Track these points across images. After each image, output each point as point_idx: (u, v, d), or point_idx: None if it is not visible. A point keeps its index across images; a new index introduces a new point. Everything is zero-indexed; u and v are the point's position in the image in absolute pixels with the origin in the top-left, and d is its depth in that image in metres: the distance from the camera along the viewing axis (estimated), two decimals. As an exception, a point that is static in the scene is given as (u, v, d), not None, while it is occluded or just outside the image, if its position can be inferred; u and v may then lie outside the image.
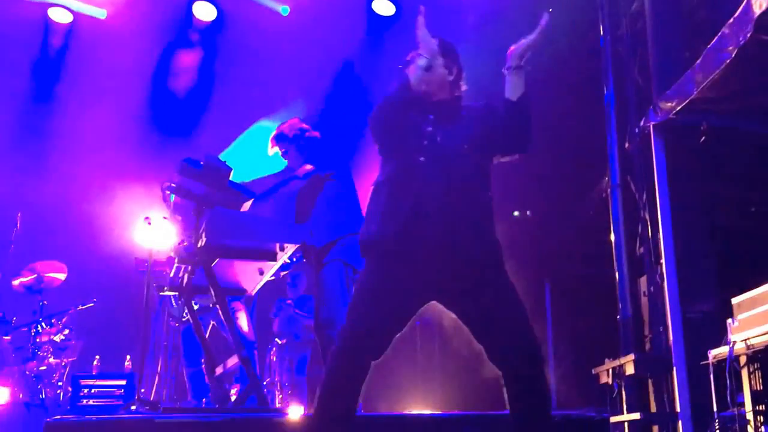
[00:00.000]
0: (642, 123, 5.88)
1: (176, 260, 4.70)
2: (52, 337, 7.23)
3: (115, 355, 7.31)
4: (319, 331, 4.65)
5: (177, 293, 5.20)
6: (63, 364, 7.29)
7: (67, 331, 7.46)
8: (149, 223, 5.13)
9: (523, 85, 3.07)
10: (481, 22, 7.32)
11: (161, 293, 5.25)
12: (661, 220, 5.61)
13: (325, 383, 2.94)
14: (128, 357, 7.30)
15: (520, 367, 2.86)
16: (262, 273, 4.83)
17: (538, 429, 2.86)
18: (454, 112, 3.16)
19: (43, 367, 7.09)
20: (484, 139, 3.09)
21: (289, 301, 7.89)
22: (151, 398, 6.56)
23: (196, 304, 5.13)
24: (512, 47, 3.09)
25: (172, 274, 4.99)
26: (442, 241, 2.91)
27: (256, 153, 7.91)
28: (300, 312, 7.70)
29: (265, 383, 7.12)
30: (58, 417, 3.73)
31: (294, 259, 4.98)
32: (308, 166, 4.78)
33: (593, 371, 6.51)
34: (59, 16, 7.51)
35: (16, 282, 7.42)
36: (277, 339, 7.59)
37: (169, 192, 4.58)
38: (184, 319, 6.39)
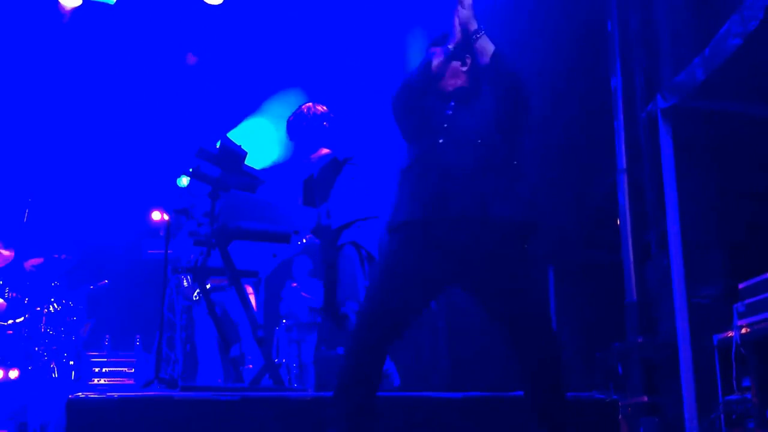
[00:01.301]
0: (649, 108, 5.93)
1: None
2: (63, 316, 7.33)
3: (126, 335, 7.41)
4: (332, 311, 4.72)
5: (191, 273, 5.27)
6: (74, 342, 7.40)
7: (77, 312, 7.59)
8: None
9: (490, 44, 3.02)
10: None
11: (175, 273, 5.32)
12: (668, 205, 5.68)
13: (345, 364, 2.97)
14: (138, 336, 7.40)
15: (539, 353, 2.90)
16: (275, 256, 4.90)
17: (556, 411, 2.90)
18: (472, 94, 3.15)
19: (55, 347, 7.19)
20: (503, 116, 3.04)
21: (295, 284, 7.97)
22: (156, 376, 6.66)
23: (209, 284, 5.20)
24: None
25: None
26: (470, 225, 2.90)
27: (263, 136, 7.98)
28: (306, 294, 7.77)
29: (273, 364, 7.20)
30: (80, 394, 3.79)
31: (302, 242, 5.06)
32: (325, 150, 4.82)
33: (598, 355, 6.59)
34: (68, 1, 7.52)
35: (28, 263, 7.50)
36: (283, 320, 7.67)
37: (186, 176, 4.64)
38: (195, 299, 6.47)
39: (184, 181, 7.82)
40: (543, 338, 2.91)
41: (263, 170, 4.82)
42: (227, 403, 3.77)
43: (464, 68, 3.17)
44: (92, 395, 3.78)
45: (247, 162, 4.60)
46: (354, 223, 4.68)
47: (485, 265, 2.94)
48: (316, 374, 7.23)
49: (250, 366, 5.92)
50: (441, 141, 3.03)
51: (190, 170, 4.64)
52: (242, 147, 4.56)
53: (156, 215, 7.65)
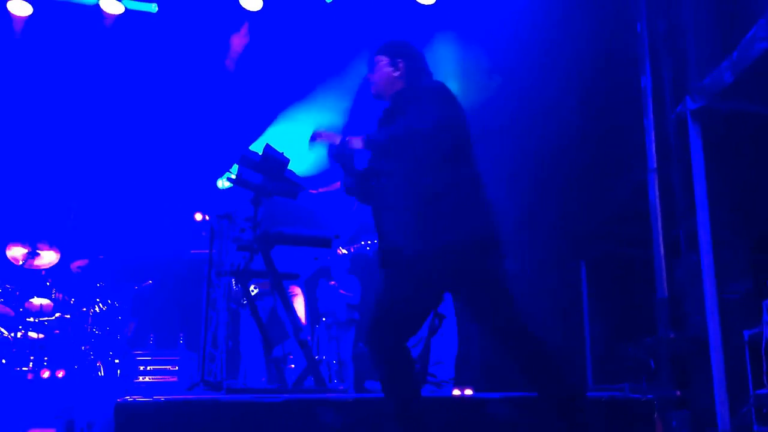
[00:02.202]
0: (679, 109, 6.02)
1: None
2: (109, 316, 7.58)
3: (169, 333, 7.63)
4: (369, 308, 4.88)
5: (234, 276, 5.46)
6: (119, 342, 7.66)
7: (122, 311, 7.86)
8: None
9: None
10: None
11: (218, 276, 5.52)
12: (697, 203, 5.77)
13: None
14: (181, 335, 7.62)
15: (529, 357, 3.04)
16: (316, 259, 5.08)
17: (569, 407, 2.98)
18: (406, 103, 3.20)
19: (101, 346, 7.45)
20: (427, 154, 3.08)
21: (333, 282, 8.14)
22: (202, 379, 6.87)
23: (255, 288, 5.39)
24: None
25: None
26: (422, 257, 3.01)
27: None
28: (344, 292, 7.94)
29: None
30: (128, 398, 3.94)
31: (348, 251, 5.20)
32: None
33: (629, 350, 6.69)
34: (111, 8, 7.74)
35: (73, 265, 7.76)
36: (323, 319, 7.85)
37: (229, 182, 4.83)
38: (243, 302, 6.65)
39: (225, 184, 8.02)
40: (528, 342, 3.03)
41: (304, 177, 4.98)
42: (270, 405, 3.92)
43: (396, 72, 3.35)
44: (139, 399, 3.93)
45: (289, 168, 4.78)
46: None
47: (454, 288, 3.13)
48: (354, 370, 7.40)
49: (293, 366, 6.11)
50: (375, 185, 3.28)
51: (233, 177, 4.84)
52: (284, 154, 4.75)
53: (198, 216, 7.87)
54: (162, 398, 3.91)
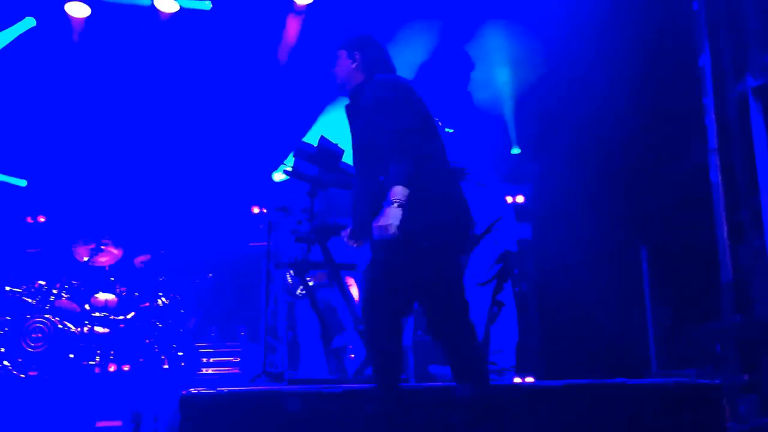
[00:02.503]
0: (739, 88, 5.85)
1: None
2: (171, 310, 7.75)
3: (231, 326, 7.75)
4: None
5: (292, 268, 5.51)
6: (182, 335, 7.82)
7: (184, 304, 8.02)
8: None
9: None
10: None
11: (277, 268, 5.58)
12: (761, 183, 5.62)
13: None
14: (242, 327, 7.74)
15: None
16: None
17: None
18: (361, 96, 3.47)
19: (164, 339, 7.61)
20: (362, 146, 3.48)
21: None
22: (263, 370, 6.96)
23: (311, 280, 5.43)
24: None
25: None
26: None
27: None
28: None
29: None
30: (192, 390, 4.01)
31: None
32: None
33: (693, 334, 6.56)
34: (166, 6, 7.86)
35: (137, 260, 7.95)
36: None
37: (285, 175, 4.86)
38: (298, 294, 6.72)
39: (281, 177, 8.10)
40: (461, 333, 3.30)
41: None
42: (332, 396, 3.95)
43: (354, 64, 3.56)
44: (203, 391, 4.01)
45: (344, 160, 4.79)
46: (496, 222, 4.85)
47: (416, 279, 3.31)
48: (413, 359, 7.40)
49: (352, 356, 6.14)
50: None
51: (289, 169, 4.88)
52: (338, 145, 4.76)
53: (256, 210, 7.96)
54: (225, 390, 3.96)
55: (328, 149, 4.78)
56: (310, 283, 5.35)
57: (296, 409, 3.82)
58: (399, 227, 3.05)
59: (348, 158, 4.89)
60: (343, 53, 3.56)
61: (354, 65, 3.52)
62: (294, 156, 4.83)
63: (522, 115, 8.26)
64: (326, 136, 4.82)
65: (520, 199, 8.02)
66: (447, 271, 3.31)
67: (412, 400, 3.80)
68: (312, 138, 4.91)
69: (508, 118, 8.31)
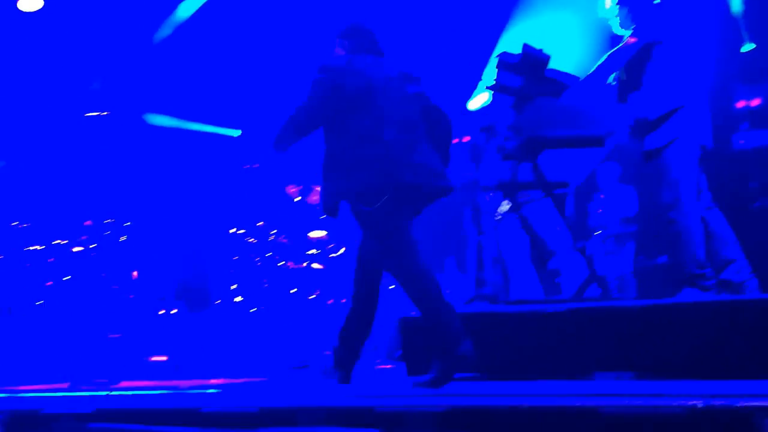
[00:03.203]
0: None
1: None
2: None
3: (437, 257, 7.66)
4: (658, 214, 4.41)
5: (501, 190, 5.27)
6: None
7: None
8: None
9: None
10: None
11: (484, 190, 5.35)
12: None
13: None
14: (449, 258, 7.63)
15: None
16: (587, 163, 4.71)
17: None
18: None
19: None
20: None
21: (603, 195, 7.66)
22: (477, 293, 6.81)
23: (508, 203, 5.16)
24: None
25: None
26: None
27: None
28: (617, 203, 7.44)
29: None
30: (411, 315, 3.96)
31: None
32: (632, 39, 4.47)
33: None
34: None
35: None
36: (595, 233, 7.44)
37: (487, 90, 4.59)
38: (498, 217, 6.48)
39: (484, 97, 7.80)
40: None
41: (567, 74, 4.57)
42: (552, 315, 3.73)
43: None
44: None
45: (551, 66, 4.44)
46: (675, 112, 4.31)
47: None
48: (637, 286, 6.95)
49: (569, 278, 5.83)
50: None
51: (491, 83, 4.59)
52: (543, 51, 4.40)
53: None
54: (440, 312, 3.85)
55: (532, 56, 4.43)
56: (509, 206, 5.07)
57: (514, 330, 3.66)
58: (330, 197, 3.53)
59: (554, 64, 4.53)
60: (336, 41, 3.94)
61: (342, 52, 3.85)
62: (496, 68, 4.52)
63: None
64: (530, 44, 4.47)
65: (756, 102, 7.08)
66: (384, 234, 3.52)
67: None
68: (514, 47, 4.55)
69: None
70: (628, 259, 7.12)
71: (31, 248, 8.17)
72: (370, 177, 3.46)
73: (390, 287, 7.67)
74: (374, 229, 3.52)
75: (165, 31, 8.94)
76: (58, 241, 8.19)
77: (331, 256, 7.74)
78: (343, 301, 7.39)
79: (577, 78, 4.51)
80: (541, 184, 4.57)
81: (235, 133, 9.87)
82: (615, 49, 4.50)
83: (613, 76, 4.59)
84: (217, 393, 3.51)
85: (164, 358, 6.85)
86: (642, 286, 6.80)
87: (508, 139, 4.68)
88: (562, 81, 4.48)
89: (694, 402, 2.04)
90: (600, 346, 3.55)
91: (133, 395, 3.55)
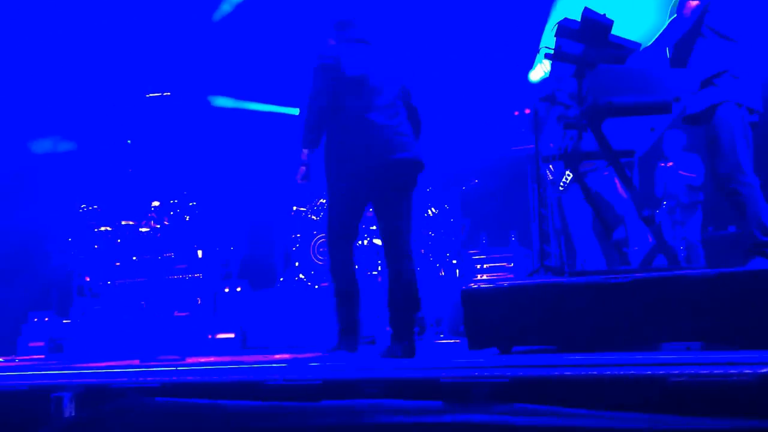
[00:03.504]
0: None
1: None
2: (441, 218, 7.77)
3: (500, 231, 7.60)
4: (719, 185, 4.28)
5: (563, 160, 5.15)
6: (453, 243, 7.84)
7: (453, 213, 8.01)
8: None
9: None
10: None
11: (545, 162, 5.25)
12: None
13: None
14: (512, 232, 7.56)
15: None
16: (653, 130, 4.56)
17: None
18: None
19: (437, 247, 7.68)
20: None
21: (670, 163, 7.46)
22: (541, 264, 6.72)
23: (568, 174, 5.04)
24: None
25: None
26: None
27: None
28: (684, 172, 7.24)
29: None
30: (472, 285, 3.94)
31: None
32: (693, 3, 4.31)
33: None
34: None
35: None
36: (663, 203, 7.26)
37: (546, 59, 4.48)
38: (561, 188, 6.37)
39: (538, 75, 7.68)
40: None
41: (630, 41, 4.42)
42: (618, 286, 3.64)
43: None
44: (483, 286, 3.93)
45: (614, 31, 4.29)
46: (724, 74, 4.16)
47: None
48: (705, 255, 6.76)
49: (636, 248, 5.70)
50: None
51: (550, 51, 4.47)
52: (606, 16, 4.26)
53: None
54: (505, 283, 3.83)
55: (594, 21, 4.29)
56: (581, 175, 4.95)
57: (580, 301, 3.58)
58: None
59: (618, 30, 4.39)
60: (328, 32, 4.38)
61: (333, 42, 4.30)
62: (556, 35, 4.40)
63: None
64: (591, 8, 4.33)
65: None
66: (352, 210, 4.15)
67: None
68: (574, 13, 4.42)
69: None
70: (696, 228, 6.92)
71: (100, 229, 8.41)
72: (351, 159, 4.06)
73: (453, 262, 7.67)
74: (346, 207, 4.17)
75: (224, 8, 9.03)
76: (126, 221, 8.42)
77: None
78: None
79: (640, 44, 4.37)
80: (604, 153, 4.45)
81: (295, 111, 9.93)
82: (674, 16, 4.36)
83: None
84: (281, 367, 3.55)
85: (230, 336, 6.98)
86: (711, 255, 6.62)
87: (570, 107, 4.56)
88: (627, 46, 4.34)
89: (764, 370, 1.98)
90: (668, 317, 3.46)
91: (198, 369, 3.61)
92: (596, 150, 4.56)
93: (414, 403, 2.39)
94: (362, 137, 4.07)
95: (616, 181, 5.82)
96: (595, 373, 2.25)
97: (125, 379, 3.01)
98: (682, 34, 4.42)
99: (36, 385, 3.05)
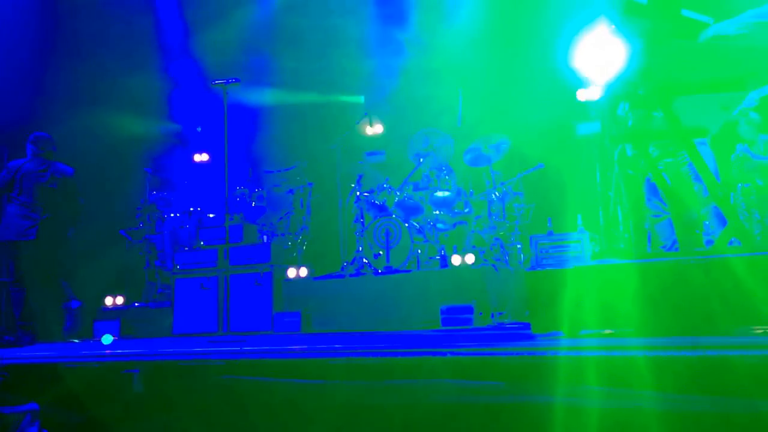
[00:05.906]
0: None
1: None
2: (506, 203, 7.68)
3: (566, 215, 7.44)
4: None
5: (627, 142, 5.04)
6: (519, 227, 7.73)
7: (518, 198, 7.89)
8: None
9: None
10: None
11: (612, 142, 5.14)
12: None
13: None
14: (578, 216, 7.37)
15: None
16: (724, 108, 4.41)
17: None
18: None
19: (502, 233, 7.58)
20: None
21: (744, 144, 7.17)
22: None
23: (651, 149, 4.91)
24: None
25: None
26: None
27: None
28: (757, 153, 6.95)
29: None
30: (538, 269, 3.89)
31: None
32: None
33: None
34: None
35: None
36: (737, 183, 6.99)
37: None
38: (629, 170, 6.18)
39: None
40: None
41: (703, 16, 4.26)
42: (689, 268, 3.54)
43: None
44: (548, 269, 3.87)
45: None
46: None
47: None
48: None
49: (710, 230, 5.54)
50: None
51: (617, 27, 4.36)
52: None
53: (582, 95, 7.44)
54: (571, 266, 3.79)
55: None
56: (649, 155, 4.83)
57: (649, 282, 3.50)
58: None
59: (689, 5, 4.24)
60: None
61: None
62: (623, 10, 4.28)
63: None
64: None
65: None
66: None
67: None
68: None
69: None
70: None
71: (171, 216, 8.61)
72: None
73: (518, 246, 7.56)
74: None
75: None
76: (193, 208, 8.60)
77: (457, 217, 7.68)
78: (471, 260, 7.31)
79: (712, 19, 4.21)
80: (675, 132, 4.32)
81: (359, 99, 9.95)
82: None
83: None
84: (343, 347, 3.57)
85: (293, 317, 7.08)
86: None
87: (638, 86, 4.44)
88: (699, 20, 4.19)
89: None
90: (740, 300, 3.34)
91: (262, 349, 3.66)
92: (666, 129, 4.44)
93: (477, 383, 2.37)
94: None
95: (688, 161, 5.64)
96: (659, 354, 2.20)
97: (191, 357, 3.08)
98: None
99: (108, 362, 3.15)
